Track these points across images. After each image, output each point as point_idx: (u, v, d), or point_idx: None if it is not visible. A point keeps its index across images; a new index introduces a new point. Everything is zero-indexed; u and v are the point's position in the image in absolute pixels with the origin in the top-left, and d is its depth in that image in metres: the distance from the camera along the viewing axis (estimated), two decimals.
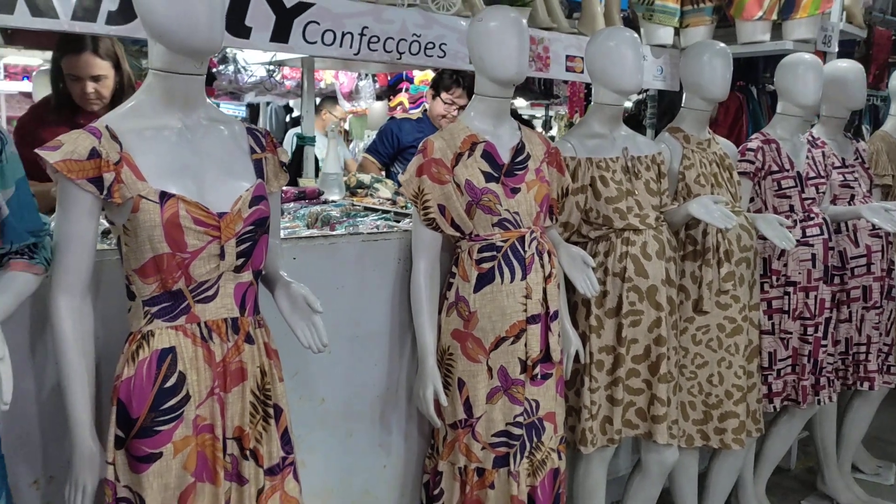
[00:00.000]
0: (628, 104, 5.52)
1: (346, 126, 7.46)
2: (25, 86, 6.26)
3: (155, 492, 1.36)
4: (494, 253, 1.89)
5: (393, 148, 3.54)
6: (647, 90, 3.67)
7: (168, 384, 1.36)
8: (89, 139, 1.32)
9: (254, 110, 6.80)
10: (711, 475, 2.64)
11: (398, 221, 2.29)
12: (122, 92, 2.30)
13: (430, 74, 4.73)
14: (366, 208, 2.49)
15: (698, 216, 2.17)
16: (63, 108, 2.28)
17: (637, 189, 2.23)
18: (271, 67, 4.19)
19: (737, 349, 2.38)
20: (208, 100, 1.51)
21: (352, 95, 4.92)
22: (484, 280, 1.89)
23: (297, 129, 3.93)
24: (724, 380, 2.39)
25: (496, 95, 1.94)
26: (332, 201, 2.56)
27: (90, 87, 2.26)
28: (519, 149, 1.97)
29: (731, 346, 2.38)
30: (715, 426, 2.42)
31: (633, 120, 4.52)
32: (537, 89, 5.28)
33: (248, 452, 1.46)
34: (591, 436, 2.20)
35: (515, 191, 1.92)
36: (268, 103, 6.43)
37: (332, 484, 2.00)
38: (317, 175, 2.95)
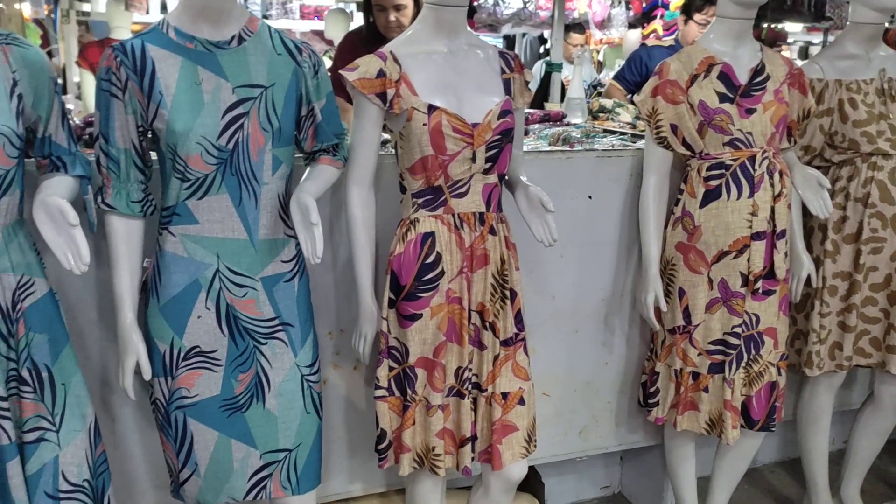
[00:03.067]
0: None
1: (601, 57, 7.47)
2: (317, 24, 7.13)
3: (416, 344, 1.73)
4: (723, 171, 1.97)
5: (640, 75, 3.58)
6: None
7: (428, 261, 1.70)
8: (378, 62, 1.66)
9: (510, 42, 7.09)
10: None
11: (634, 142, 2.43)
12: None
13: None
14: (605, 131, 2.65)
15: None
16: (371, 38, 2.65)
17: (892, 112, 2.13)
18: None
19: None
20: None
21: (604, 24, 4.98)
22: (710, 196, 1.99)
23: (547, 58, 4.13)
24: None
25: (738, 17, 1.98)
26: (575, 124, 2.75)
27: (392, 15, 2.60)
28: (758, 70, 2.00)
29: None
30: None
31: None
32: (806, 10, 4.89)
33: (487, 324, 1.77)
34: (817, 359, 2.22)
35: (750, 111, 1.97)
36: (523, 34, 6.69)
37: (558, 372, 2.28)
38: (562, 100, 3.15)
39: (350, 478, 2.09)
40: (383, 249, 1.82)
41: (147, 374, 1.56)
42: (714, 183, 1.98)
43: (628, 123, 2.81)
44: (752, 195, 1.96)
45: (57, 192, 1.37)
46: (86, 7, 5.73)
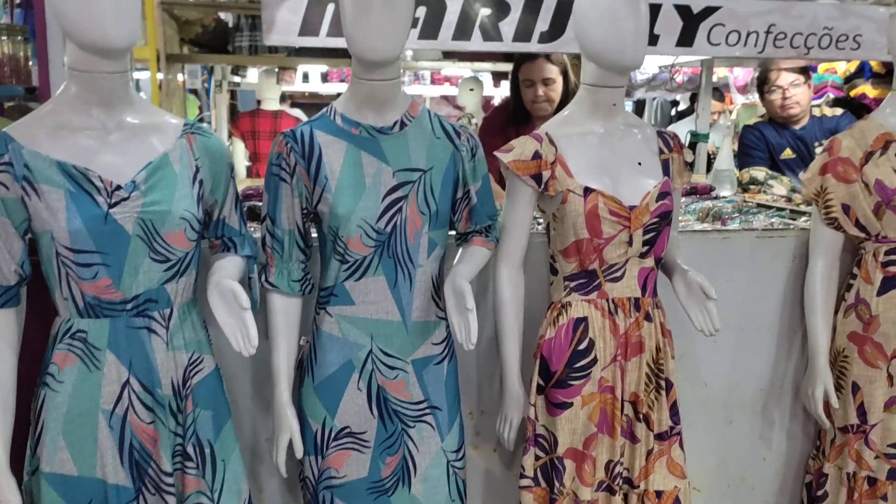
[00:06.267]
0: None
1: (734, 115, 7.21)
2: (447, 90, 7.34)
3: (565, 433, 1.65)
4: None
5: (765, 154, 3.27)
6: None
7: (580, 347, 1.64)
8: (533, 144, 1.64)
9: (639, 105, 7.00)
10: None
11: (794, 219, 2.28)
12: (566, 100, 2.53)
13: (840, 64, 4.38)
14: (759, 205, 2.50)
15: None
16: (518, 114, 2.69)
17: None
18: (666, 66, 4.31)
19: None
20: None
21: (746, 88, 4.80)
22: (890, 283, 1.82)
23: (687, 124, 4.01)
24: None
25: None
26: (724, 197, 2.62)
27: (541, 90, 2.59)
28: None
29: None
30: None
31: None
32: None
33: (641, 416, 1.67)
34: None
35: None
36: (653, 98, 6.58)
37: (708, 465, 2.11)
38: (708, 171, 3.03)
39: None
40: (528, 331, 1.77)
41: (299, 452, 1.56)
42: (894, 269, 1.81)
43: (783, 197, 2.65)
44: None
45: (229, 273, 1.43)
46: (236, 78, 6.16)
